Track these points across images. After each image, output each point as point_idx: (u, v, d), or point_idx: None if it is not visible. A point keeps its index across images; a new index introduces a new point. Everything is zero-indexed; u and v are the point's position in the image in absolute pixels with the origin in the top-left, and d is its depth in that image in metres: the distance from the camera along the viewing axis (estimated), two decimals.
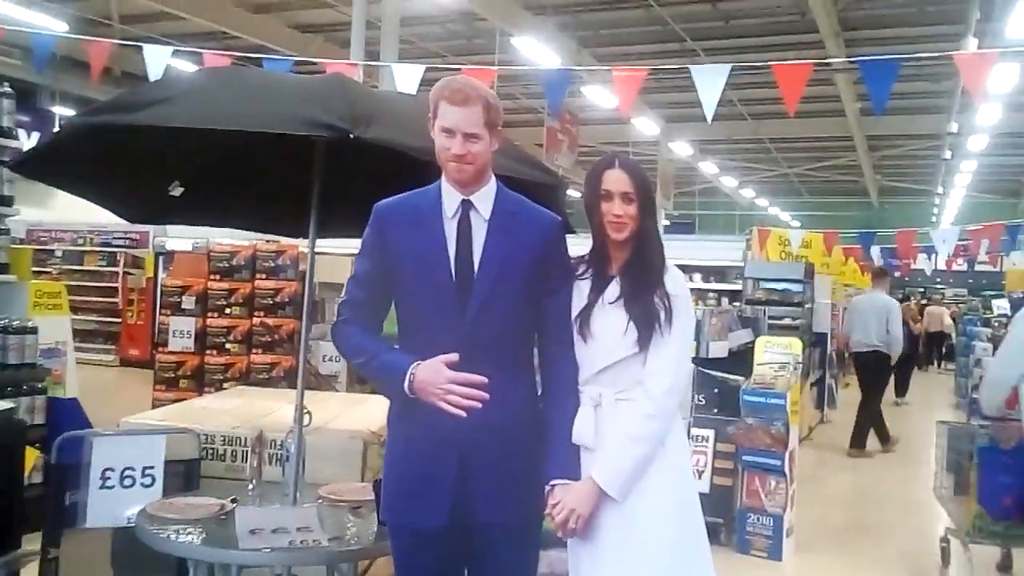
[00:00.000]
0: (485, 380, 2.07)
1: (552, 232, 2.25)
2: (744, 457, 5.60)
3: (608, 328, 2.22)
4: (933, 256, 17.41)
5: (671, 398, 2.22)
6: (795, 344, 5.76)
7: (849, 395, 12.32)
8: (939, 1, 12.06)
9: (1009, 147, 20.12)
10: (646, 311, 2.20)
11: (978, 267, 19.72)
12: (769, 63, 5.04)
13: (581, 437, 2.19)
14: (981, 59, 4.89)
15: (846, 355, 10.59)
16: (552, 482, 2.16)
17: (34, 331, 5.18)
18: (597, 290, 2.26)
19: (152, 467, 2.85)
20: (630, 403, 2.20)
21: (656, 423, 2.18)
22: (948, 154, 18.74)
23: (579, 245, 2.37)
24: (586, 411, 2.21)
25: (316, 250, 2.93)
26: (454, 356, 2.08)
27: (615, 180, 2.24)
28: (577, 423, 2.20)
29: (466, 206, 2.19)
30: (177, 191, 2.92)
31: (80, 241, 14.04)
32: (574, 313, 2.26)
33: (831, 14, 12.13)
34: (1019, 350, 4.04)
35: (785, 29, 13.44)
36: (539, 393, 2.28)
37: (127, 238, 13.77)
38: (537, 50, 11.73)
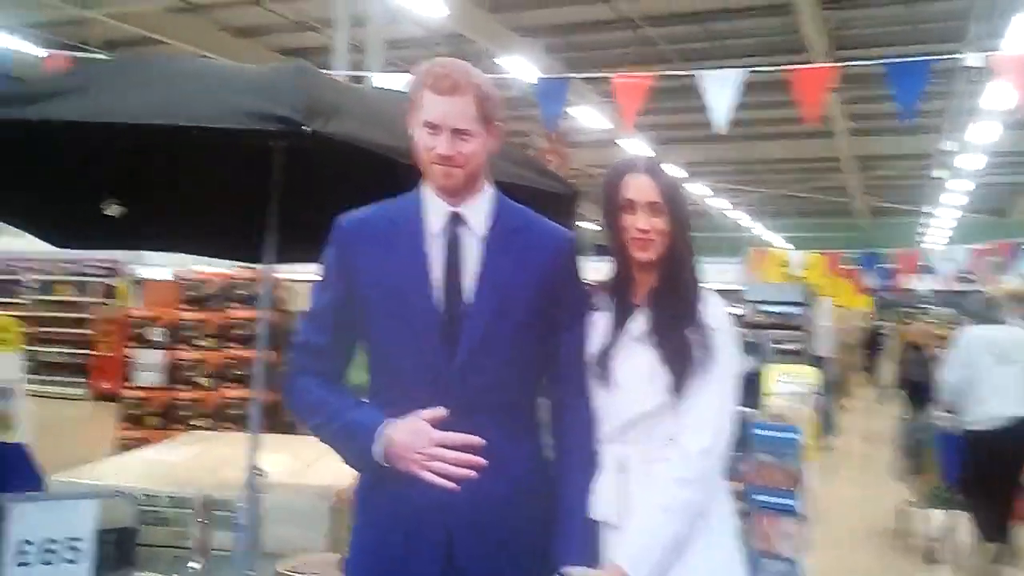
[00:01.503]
0: (480, 442, 1.63)
1: (564, 252, 1.82)
2: (755, 496, 5.14)
3: (634, 371, 1.79)
4: (929, 275, 17.15)
5: (713, 458, 1.78)
6: (809, 373, 5.34)
7: (848, 420, 11.97)
8: (932, 19, 11.86)
9: (999, 166, 19.99)
10: (680, 349, 1.77)
11: (973, 287, 19.44)
12: (784, 68, 4.69)
13: (602, 511, 1.75)
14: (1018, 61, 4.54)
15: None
16: (565, 569, 1.70)
17: None
18: (619, 324, 1.84)
19: (79, 539, 2.38)
20: (662, 465, 1.76)
21: (695, 490, 1.74)
22: (940, 173, 18.52)
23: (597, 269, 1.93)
24: (608, 477, 1.77)
25: (292, 277, 2.49)
26: (440, 411, 1.64)
27: (639, 187, 1.82)
28: (596, 493, 1.76)
29: (455, 220, 1.75)
30: (113, 210, 2.46)
31: (52, 270, 13.54)
32: (591, 353, 1.83)
33: (823, 33, 11.93)
34: (954, 362, 5.51)
35: (776, 48, 13.19)
36: (548, 456, 1.83)
37: (101, 267, 13.34)
38: (525, 71, 11.43)
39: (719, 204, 25.82)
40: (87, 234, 2.71)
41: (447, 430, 1.62)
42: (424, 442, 1.61)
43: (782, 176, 24.23)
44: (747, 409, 5.29)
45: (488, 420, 1.68)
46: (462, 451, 1.61)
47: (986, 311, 5.64)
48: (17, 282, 13.61)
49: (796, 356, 8.74)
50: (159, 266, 11.99)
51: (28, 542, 2.37)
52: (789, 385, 5.39)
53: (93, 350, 12.93)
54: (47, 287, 13.53)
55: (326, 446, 1.77)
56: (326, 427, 1.72)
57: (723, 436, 1.82)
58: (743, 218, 28.87)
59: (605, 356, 1.81)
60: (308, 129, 1.84)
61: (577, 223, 2.41)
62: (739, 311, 10.42)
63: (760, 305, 9.72)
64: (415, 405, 1.66)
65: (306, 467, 2.94)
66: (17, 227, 2.62)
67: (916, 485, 6.17)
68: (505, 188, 1.82)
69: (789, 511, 4.96)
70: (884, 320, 24.54)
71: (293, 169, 2.39)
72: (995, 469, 5.25)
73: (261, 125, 1.91)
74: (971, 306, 6.11)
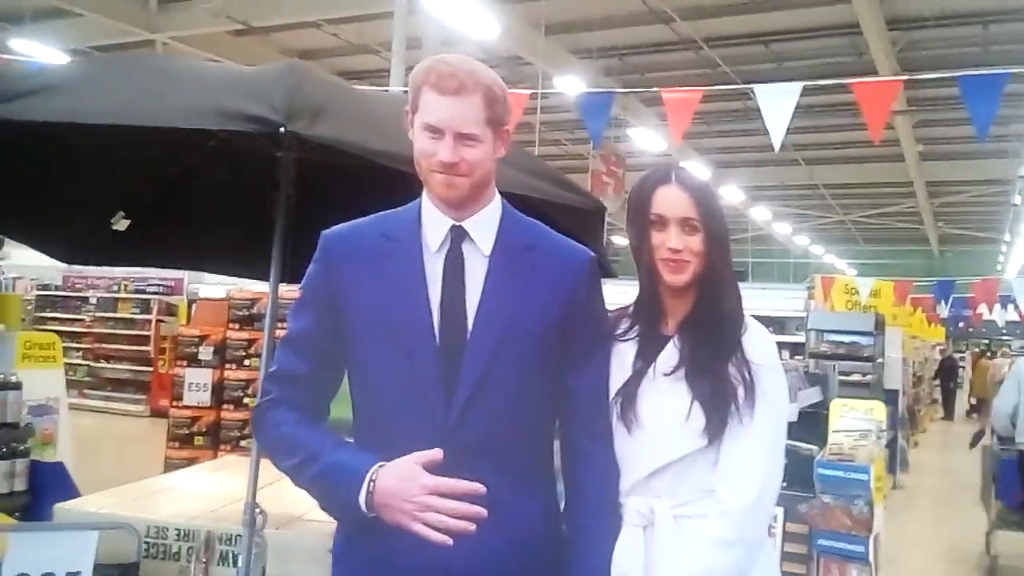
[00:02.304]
0: (482, 489, 1.41)
1: (583, 274, 1.59)
2: (819, 541, 4.79)
3: (663, 411, 1.56)
4: (1009, 306, 16.36)
5: (758, 516, 1.54)
6: (878, 409, 4.99)
7: (919, 456, 11.40)
8: (1004, 40, 11.34)
9: None
10: (717, 387, 1.54)
11: None
12: (848, 81, 4.41)
13: (625, 572, 1.52)
14: None
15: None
16: None
17: (18, 387, 4.70)
18: (646, 357, 1.61)
19: (77, 573, 2.24)
20: (697, 522, 1.52)
21: (736, 553, 1.50)
22: (1017, 199, 17.74)
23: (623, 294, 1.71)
24: (632, 535, 1.54)
25: None
26: (437, 454, 1.42)
27: (671, 201, 1.60)
28: (618, 552, 1.53)
29: (458, 236, 1.55)
30: (121, 224, 2.33)
31: (115, 288, 13.85)
32: (613, 391, 1.60)
33: (890, 55, 11.52)
34: (1009, 390, 5.85)
35: (841, 71, 12.79)
36: (562, 509, 1.61)
37: (162, 285, 13.60)
38: (582, 90, 11.32)
39: (782, 229, 25.30)
40: (94, 250, 2.60)
41: (445, 475, 1.42)
42: (417, 489, 1.39)
43: (849, 201, 23.62)
44: (811, 446, 4.99)
45: (491, 467, 1.46)
46: (461, 499, 1.41)
47: None
48: (84, 299, 13.92)
49: (865, 388, 8.29)
50: (216, 284, 12.15)
51: (24, 574, 2.25)
52: (856, 420, 5.06)
53: (152, 367, 13.13)
54: (110, 304, 13.79)
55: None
56: (304, 469, 1.49)
57: (770, 491, 1.58)
58: (807, 243, 28.24)
59: (629, 395, 1.59)
60: (285, 130, 1.66)
61: (608, 241, 2.17)
62: (803, 339, 10.02)
63: (826, 334, 9.28)
64: (407, 447, 1.44)
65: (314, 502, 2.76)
66: (21, 242, 2.52)
67: (991, 510, 6.45)
68: (520, 201, 1.61)
69: (857, 557, 4.61)
70: (959, 351, 23.66)
71: (310, 181, 2.24)
72: None
73: (235, 126, 1.75)
74: None
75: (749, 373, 1.56)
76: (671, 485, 1.56)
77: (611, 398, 1.60)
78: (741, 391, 1.55)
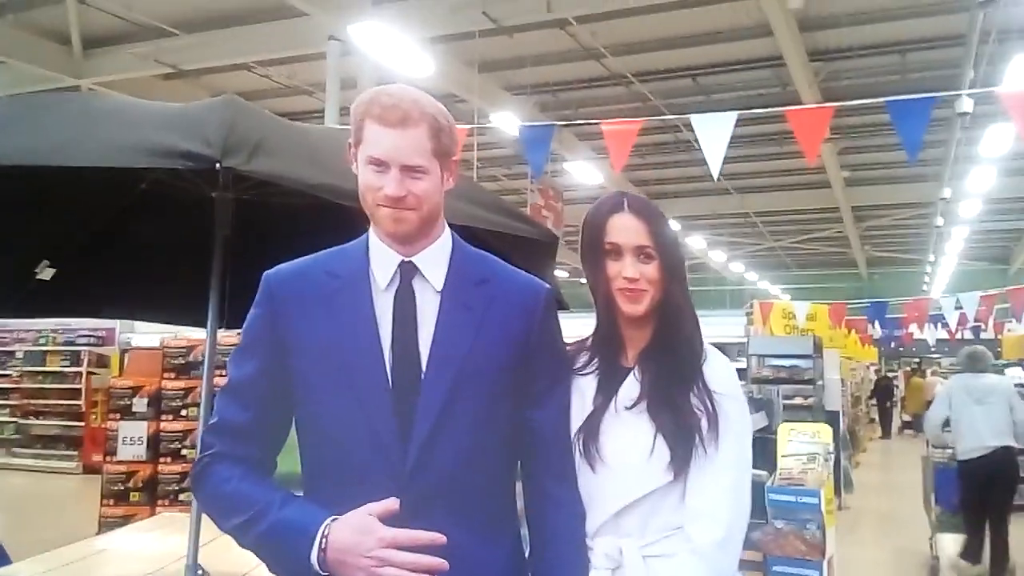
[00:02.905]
0: (442, 539, 1.33)
1: (539, 307, 1.53)
2: (775, 568, 4.80)
3: (626, 447, 1.51)
4: (939, 324, 16.87)
5: (728, 551, 1.49)
6: (824, 431, 5.05)
7: (862, 475, 11.58)
8: (926, 68, 11.83)
9: (999, 213, 19.91)
10: (680, 419, 1.50)
11: (982, 335, 19.22)
12: (782, 109, 4.51)
13: None
14: None
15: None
16: None
17: None
18: (607, 391, 1.56)
19: None
20: (666, 561, 1.47)
21: None
22: (940, 221, 18.42)
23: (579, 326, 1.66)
24: None
25: None
26: (393, 504, 1.34)
27: (625, 229, 1.57)
28: None
29: (407, 272, 1.48)
30: (47, 273, 2.21)
31: (42, 340, 13.32)
32: (575, 427, 1.54)
33: (813, 85, 11.91)
34: (938, 405, 6.52)
35: (766, 101, 13.17)
36: (527, 555, 1.53)
37: (92, 336, 13.14)
38: (517, 128, 11.41)
39: (717, 257, 25.81)
40: (20, 302, 2.45)
41: (402, 527, 1.35)
42: (373, 543, 1.30)
43: (779, 228, 24.22)
44: (760, 472, 5.00)
45: (451, 515, 1.39)
46: (420, 552, 1.32)
47: (974, 363, 6.57)
48: (10, 353, 13.35)
49: (807, 411, 8.42)
50: (150, 333, 11.77)
51: None
52: (804, 444, 5.10)
53: (83, 422, 12.63)
54: (39, 358, 13.25)
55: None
56: (249, 529, 1.38)
57: (739, 523, 1.54)
58: (742, 270, 28.82)
59: (592, 431, 1.54)
60: (221, 166, 1.58)
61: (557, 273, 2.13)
62: (743, 365, 10.15)
63: (767, 359, 9.42)
64: (361, 498, 1.35)
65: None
66: None
67: (932, 514, 7.13)
68: (470, 234, 1.56)
69: None
70: (891, 371, 24.31)
71: (247, 222, 2.15)
72: (985, 492, 6.24)
73: (166, 163, 1.67)
74: (959, 358, 6.99)
75: (711, 402, 1.53)
76: (640, 524, 1.51)
77: (573, 434, 1.55)
78: (704, 422, 1.51)
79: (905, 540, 8.12)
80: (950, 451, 6.62)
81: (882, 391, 20.14)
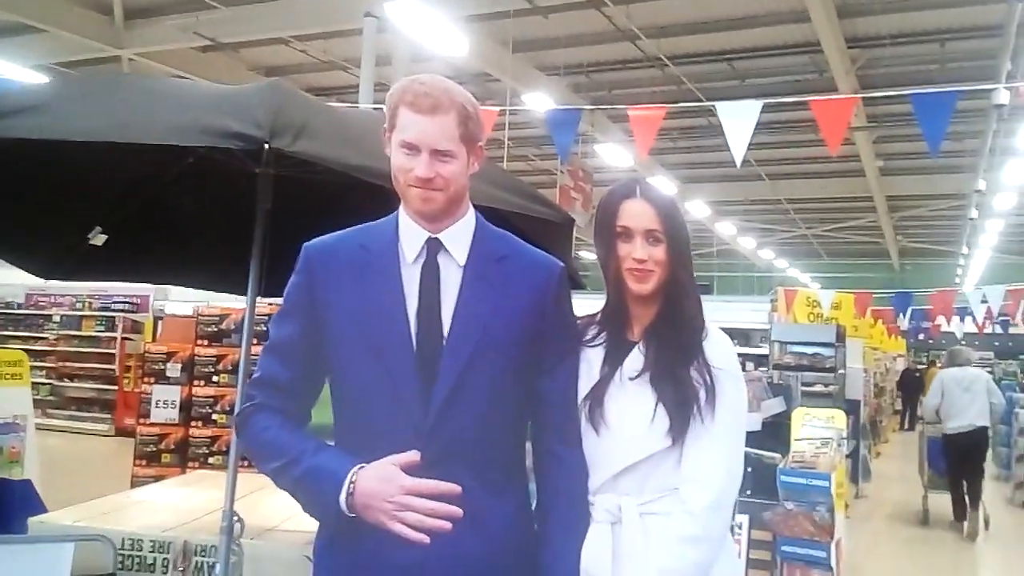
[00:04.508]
0: (457, 489, 1.47)
1: (553, 283, 1.66)
2: (783, 547, 4.89)
3: (629, 414, 1.63)
4: (967, 318, 16.71)
5: (719, 514, 1.61)
6: (839, 417, 5.12)
7: (881, 466, 11.59)
8: (964, 58, 11.68)
9: None
10: (680, 390, 1.62)
11: (1011, 330, 18.97)
12: (806, 98, 4.55)
13: (593, 568, 1.59)
14: None
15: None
16: None
17: None
18: (613, 362, 1.68)
19: None
20: (662, 519, 1.59)
21: (699, 549, 1.57)
22: (974, 213, 18.18)
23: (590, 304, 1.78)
24: (600, 531, 1.61)
25: None
26: (414, 456, 1.48)
27: (636, 214, 1.68)
28: (587, 549, 1.60)
29: (433, 247, 1.61)
30: (99, 239, 2.37)
31: (79, 306, 13.64)
32: (582, 394, 1.67)
33: (849, 73, 11.79)
34: (933, 391, 8.44)
35: (802, 88, 13.08)
36: (533, 508, 1.67)
37: (127, 302, 13.42)
38: (551, 107, 11.43)
39: (746, 243, 25.61)
40: (72, 265, 2.63)
41: (422, 477, 1.48)
42: (395, 489, 1.45)
43: (811, 216, 23.96)
44: (774, 454, 5.09)
45: (466, 468, 1.53)
46: (437, 500, 1.46)
47: (956, 358, 8.61)
48: (47, 317, 13.70)
49: (827, 399, 8.44)
50: (182, 301, 12.03)
51: None
52: (818, 428, 5.18)
53: (116, 386, 12.94)
54: (75, 322, 13.58)
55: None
56: (286, 472, 1.54)
57: (731, 490, 1.65)
58: (772, 257, 28.60)
59: (597, 398, 1.66)
60: (269, 146, 1.72)
61: (576, 255, 2.24)
62: (766, 351, 10.18)
63: (789, 346, 9.43)
64: (386, 450, 1.50)
65: (290, 512, 2.79)
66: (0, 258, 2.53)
67: (924, 477, 8.88)
68: (493, 214, 1.69)
69: (819, 563, 4.71)
70: (920, 363, 24.04)
71: (285, 197, 2.29)
72: (964, 460, 8.12)
73: (218, 142, 1.81)
74: (946, 356, 9.13)
75: (710, 377, 1.64)
76: (638, 484, 1.63)
77: (580, 401, 1.67)
78: (703, 394, 1.62)
79: (914, 532, 8.19)
80: (940, 427, 8.38)
81: (908, 383, 19.96)
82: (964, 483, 8.14)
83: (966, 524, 8.04)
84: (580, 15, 10.83)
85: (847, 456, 9.19)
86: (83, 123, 1.83)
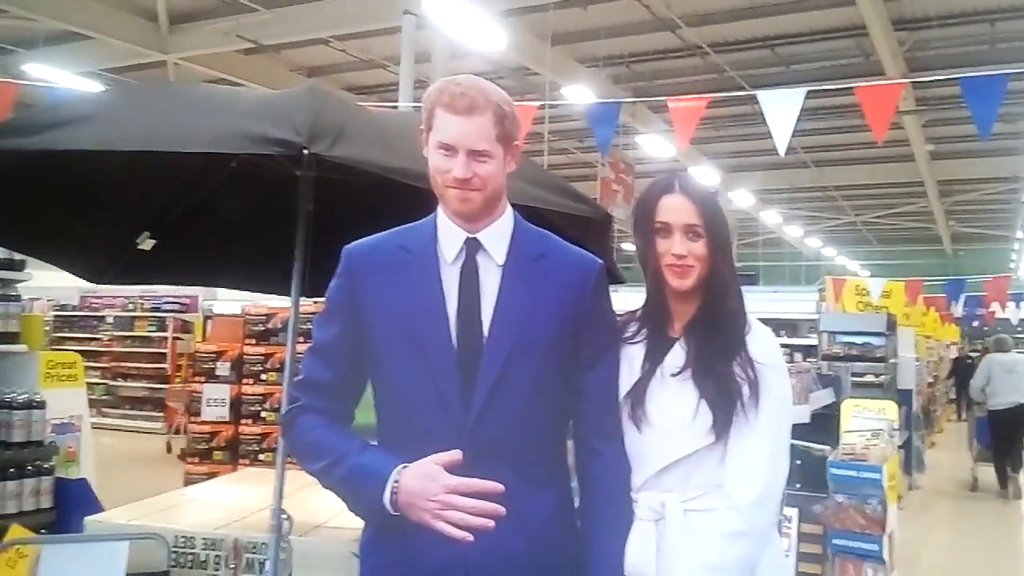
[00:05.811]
0: (500, 488, 1.48)
1: (591, 280, 1.65)
2: (834, 541, 4.81)
3: (671, 410, 1.62)
4: (1022, 304, 16.26)
5: (764, 510, 1.59)
6: (890, 408, 5.01)
7: (936, 456, 11.35)
8: (1012, 37, 11.34)
9: None
10: (723, 386, 1.60)
11: None
12: (850, 84, 4.46)
13: (638, 565, 1.58)
14: None
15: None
16: None
17: (41, 405, 4.78)
18: (654, 358, 1.67)
19: None
20: (706, 516, 1.58)
21: (744, 545, 1.56)
22: None
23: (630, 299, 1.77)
24: (644, 528, 1.60)
25: None
26: (456, 455, 1.49)
27: (675, 209, 1.66)
28: (631, 546, 1.59)
29: (472, 247, 1.62)
30: (147, 244, 2.42)
31: (131, 307, 13.97)
32: (623, 391, 1.66)
33: (897, 55, 11.52)
34: (980, 373, 9.90)
35: (848, 72, 12.81)
36: (576, 505, 1.67)
37: (177, 303, 13.69)
38: (590, 100, 11.37)
39: (793, 232, 25.20)
40: (121, 269, 2.69)
41: (464, 476, 1.49)
42: (438, 488, 1.46)
43: (860, 202, 23.51)
44: (823, 447, 5.01)
45: (508, 466, 1.53)
46: (480, 498, 1.47)
47: (1001, 345, 10.01)
48: (100, 318, 14.05)
49: (878, 389, 8.28)
50: (230, 300, 12.24)
51: None
52: (868, 420, 5.08)
53: (168, 384, 13.22)
54: (127, 323, 13.91)
55: None
56: (331, 471, 1.57)
57: (776, 485, 1.63)
58: (819, 246, 28.12)
59: (639, 395, 1.65)
60: (308, 152, 1.74)
61: (619, 248, 2.22)
62: (814, 342, 10.02)
63: (838, 336, 9.26)
64: (428, 449, 1.51)
65: (337, 509, 2.83)
66: (50, 262, 2.60)
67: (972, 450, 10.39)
68: (531, 213, 1.69)
69: (871, 556, 4.63)
70: (975, 351, 23.39)
71: (327, 199, 2.32)
72: (1007, 433, 9.39)
73: (259, 149, 1.84)
74: (991, 342, 10.86)
75: (753, 371, 1.62)
76: (681, 480, 1.62)
77: (621, 398, 1.66)
78: (746, 389, 1.61)
79: (970, 524, 8.00)
80: (986, 406, 9.69)
81: (962, 371, 19.45)
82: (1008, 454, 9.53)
83: (1010, 487, 9.37)
84: (619, 5, 10.76)
85: (900, 447, 9.03)
86: (131, 133, 1.88)
